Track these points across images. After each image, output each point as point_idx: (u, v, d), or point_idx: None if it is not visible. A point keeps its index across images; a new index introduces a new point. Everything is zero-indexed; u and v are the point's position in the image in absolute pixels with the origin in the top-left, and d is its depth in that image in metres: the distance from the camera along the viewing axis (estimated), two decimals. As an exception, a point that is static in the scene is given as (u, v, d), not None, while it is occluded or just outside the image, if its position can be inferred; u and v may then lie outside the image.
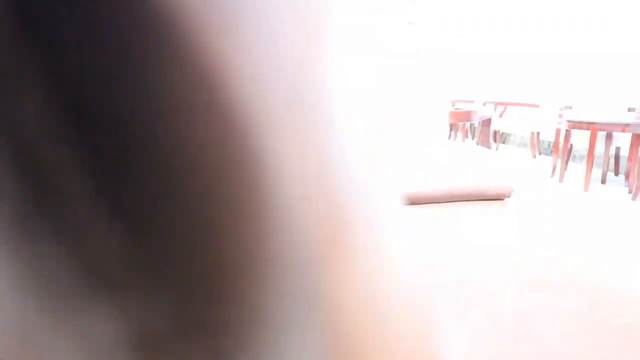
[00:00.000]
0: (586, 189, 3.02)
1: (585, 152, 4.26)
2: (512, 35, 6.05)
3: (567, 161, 3.90)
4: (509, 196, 1.17)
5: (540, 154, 5.00)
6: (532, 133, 4.70)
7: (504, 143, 6.17)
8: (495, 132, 5.47)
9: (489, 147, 1.78)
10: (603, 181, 3.38)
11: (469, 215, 0.93)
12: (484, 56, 7.12)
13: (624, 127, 2.89)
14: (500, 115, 5.62)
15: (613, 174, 3.71)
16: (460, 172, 1.18)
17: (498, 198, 1.16)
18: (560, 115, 3.54)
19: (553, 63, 5.01)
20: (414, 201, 1.13)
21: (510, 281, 0.59)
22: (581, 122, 3.00)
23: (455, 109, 5.51)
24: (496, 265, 0.65)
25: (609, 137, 3.29)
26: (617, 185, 3.28)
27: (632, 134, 3.06)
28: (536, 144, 5.12)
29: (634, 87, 3.69)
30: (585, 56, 4.40)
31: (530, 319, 0.49)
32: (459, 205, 1.06)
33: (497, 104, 4.90)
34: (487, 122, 1.75)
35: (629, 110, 3.52)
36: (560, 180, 3.34)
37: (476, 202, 1.11)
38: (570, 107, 3.79)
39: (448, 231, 0.82)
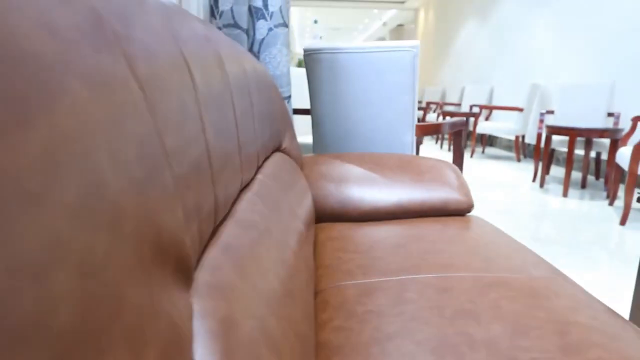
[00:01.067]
0: (565, 195, 3.05)
1: (563, 159, 4.29)
2: (499, 35, 6.09)
3: (547, 166, 3.93)
4: (469, 211, 1.18)
5: (525, 157, 5.04)
6: (517, 136, 4.73)
7: (491, 145, 6.21)
8: (482, 135, 5.49)
9: (461, 158, 1.80)
10: (583, 186, 3.40)
11: (422, 232, 0.94)
12: (472, 59, 7.16)
13: (602, 133, 2.92)
14: (487, 119, 5.65)
15: (594, 178, 3.74)
16: (423, 187, 1.18)
17: (458, 214, 1.17)
18: (541, 121, 3.56)
19: (538, 65, 5.04)
20: (368, 217, 1.14)
21: (435, 309, 0.59)
22: (560, 128, 3.03)
23: (442, 111, 5.53)
24: (432, 289, 0.65)
25: (588, 142, 3.32)
26: (596, 190, 3.31)
27: (611, 140, 3.09)
28: (521, 147, 5.16)
29: (615, 91, 3.72)
30: (569, 58, 4.44)
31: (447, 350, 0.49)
32: (414, 223, 1.07)
33: (481, 107, 4.93)
34: (458, 133, 1.77)
35: (609, 115, 3.56)
36: (541, 185, 3.37)
37: (435, 218, 1.12)
38: (552, 112, 3.81)
39: (392, 250, 0.82)
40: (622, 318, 0.63)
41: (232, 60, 0.59)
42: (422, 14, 10.23)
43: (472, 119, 6.05)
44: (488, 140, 6.28)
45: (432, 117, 7.07)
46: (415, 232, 0.99)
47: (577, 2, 4.33)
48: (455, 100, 7.27)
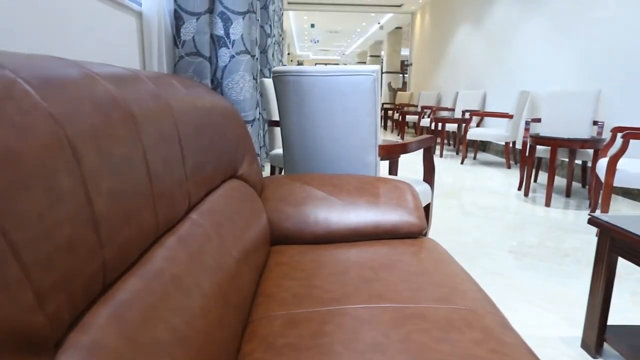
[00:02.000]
0: (547, 204, 3.08)
1: (557, 163, 4.32)
2: (492, 41, 6.12)
3: (535, 174, 3.96)
4: (421, 234, 1.22)
5: (516, 163, 5.06)
6: (507, 143, 4.76)
7: (484, 151, 6.24)
8: (474, 141, 5.53)
9: (432, 173, 1.84)
10: (568, 194, 3.43)
11: (367, 257, 0.98)
12: (466, 64, 7.18)
13: (583, 143, 2.95)
14: (479, 125, 5.68)
15: (582, 185, 3.77)
16: (379, 209, 1.22)
17: (410, 236, 1.21)
18: (527, 129, 3.59)
19: (530, 72, 5.07)
20: (323, 240, 1.18)
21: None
22: (542, 138, 3.06)
23: (434, 117, 5.56)
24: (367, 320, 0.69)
25: (572, 151, 3.35)
26: (581, 199, 3.33)
27: (594, 149, 3.12)
28: (512, 154, 5.19)
29: (600, 100, 3.75)
30: (558, 66, 4.47)
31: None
32: (364, 246, 1.11)
33: (472, 113, 4.96)
34: (428, 150, 1.81)
35: (594, 123, 3.58)
36: (526, 194, 3.40)
37: (386, 241, 1.16)
38: (539, 120, 3.84)
39: (332, 274, 0.85)
40: (529, 352, 0.67)
41: (151, 117, 0.64)
42: (418, 18, 10.27)
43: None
44: (481, 146, 6.31)
45: (426, 122, 7.10)
46: (361, 257, 1.03)
47: (566, 11, 4.36)
48: (450, 105, 7.30)
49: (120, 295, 0.46)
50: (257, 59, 1.99)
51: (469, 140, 6.51)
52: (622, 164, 2.37)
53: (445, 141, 7.36)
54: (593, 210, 2.86)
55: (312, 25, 13.27)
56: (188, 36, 1.22)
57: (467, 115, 6.00)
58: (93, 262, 0.41)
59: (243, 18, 1.30)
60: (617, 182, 2.33)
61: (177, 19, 1.21)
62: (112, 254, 0.45)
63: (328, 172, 1.58)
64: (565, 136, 3.25)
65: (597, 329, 1.26)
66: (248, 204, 1.02)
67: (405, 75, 13.09)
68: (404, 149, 1.61)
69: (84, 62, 0.58)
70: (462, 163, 5.00)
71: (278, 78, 1.57)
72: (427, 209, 1.89)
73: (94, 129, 0.45)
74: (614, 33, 3.67)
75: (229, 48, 1.30)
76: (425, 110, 7.10)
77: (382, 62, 15.28)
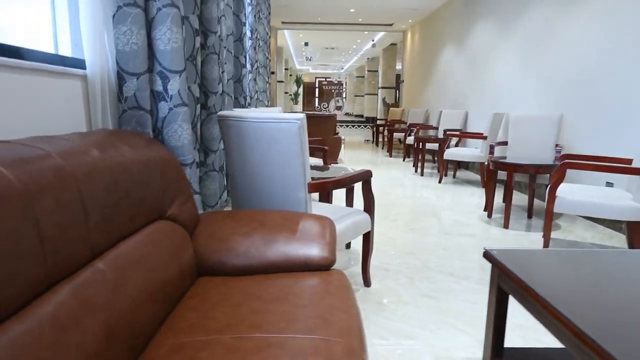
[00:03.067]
0: (506, 226, 3.23)
1: (524, 184, 4.47)
2: (473, 63, 6.30)
3: (502, 196, 4.10)
4: (330, 267, 1.38)
5: (493, 182, 5.21)
6: (482, 163, 4.92)
7: (467, 169, 6.39)
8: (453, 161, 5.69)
9: (372, 204, 2.01)
10: (530, 216, 3.58)
11: (270, 290, 1.14)
12: (450, 83, 7.37)
13: (537, 169, 3.11)
14: (457, 144, 5.85)
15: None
16: (294, 243, 1.39)
17: (320, 269, 1.37)
18: (491, 153, 3.76)
19: (505, 95, 5.25)
20: (242, 272, 1.35)
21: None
22: (499, 163, 3.22)
23: (416, 137, 5.73)
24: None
25: (532, 174, 3.51)
26: (542, 220, 3.48)
27: (549, 174, 3.27)
28: (486, 173, 5.34)
29: (563, 124, 3.91)
30: (528, 90, 4.65)
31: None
32: (273, 279, 1.27)
33: (449, 134, 5.13)
34: (367, 182, 1.98)
35: (557, 147, 3.74)
36: (489, 215, 3.55)
37: (295, 273, 1.32)
38: (505, 143, 4.01)
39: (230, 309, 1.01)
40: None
41: (48, 191, 0.81)
42: (409, 36, 10.51)
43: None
44: (464, 164, 6.47)
45: (411, 140, 7.27)
46: (262, 290, 1.20)
47: (534, 38, 4.55)
48: (436, 124, 7.48)
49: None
50: (199, 105, 2.17)
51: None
52: (561, 190, 2.52)
53: (431, 157, 7.53)
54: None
55: (306, 44, 13.57)
56: (130, 93, 1.41)
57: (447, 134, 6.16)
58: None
59: (180, 76, 1.48)
60: (557, 208, 2.48)
61: (120, 79, 1.40)
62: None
63: (266, 206, 1.75)
64: (529, 159, 3.42)
65: (491, 351, 1.41)
66: (166, 244, 1.19)
67: (399, 91, 13.32)
68: (336, 185, 1.78)
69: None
70: (439, 182, 5.15)
71: (222, 122, 1.75)
72: (368, 235, 2.05)
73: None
74: (575, 61, 3.84)
75: (167, 102, 1.48)
76: (412, 127, 7.28)
77: (378, 78, 15.52)
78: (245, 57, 3.54)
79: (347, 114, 23.81)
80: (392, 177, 5.50)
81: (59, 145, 0.93)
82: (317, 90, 27.19)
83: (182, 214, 1.39)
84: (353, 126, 17.11)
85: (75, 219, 0.85)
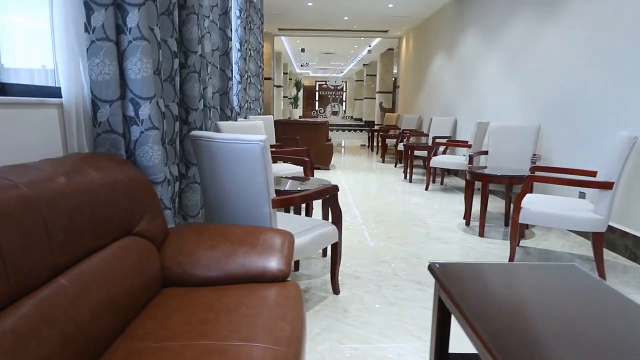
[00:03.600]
0: (481, 234, 3.34)
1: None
2: (461, 71, 6.41)
3: (483, 205, 4.21)
4: (286, 278, 1.50)
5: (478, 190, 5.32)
6: (465, 171, 5.04)
7: (456, 175, 6.50)
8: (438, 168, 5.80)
9: (340, 218, 2.13)
10: (506, 224, 3.69)
11: (223, 301, 1.26)
12: (440, 91, 7.48)
13: (510, 179, 3.22)
14: (445, 152, 5.96)
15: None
16: (253, 256, 1.51)
17: (277, 280, 1.50)
18: (470, 163, 3.88)
19: (490, 104, 5.37)
20: (204, 283, 1.47)
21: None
22: (474, 173, 3.34)
23: (405, 144, 5.84)
24: None
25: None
26: (517, 228, 3.59)
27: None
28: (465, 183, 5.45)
29: (541, 134, 4.03)
30: (510, 100, 4.76)
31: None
32: (230, 290, 1.39)
33: (436, 143, 5.25)
34: (333, 197, 2.09)
35: (534, 156, 3.86)
36: (467, 223, 3.67)
37: (251, 285, 1.44)
38: (486, 152, 4.12)
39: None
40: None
41: (10, 219, 0.94)
42: (404, 42, 10.64)
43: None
44: (453, 171, 6.57)
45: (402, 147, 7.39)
46: (216, 300, 1.32)
47: (516, 49, 4.67)
48: (427, 130, 7.60)
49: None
50: (180, 121, 2.30)
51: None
52: (526, 202, 2.64)
53: (422, 164, 7.64)
54: (518, 242, 3.12)
55: (302, 50, 13.71)
56: (103, 118, 1.54)
57: (440, 141, 6.27)
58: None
59: (150, 102, 1.61)
60: (522, 219, 2.59)
61: (94, 105, 1.52)
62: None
63: (233, 220, 1.88)
64: (508, 168, 3.54)
65: (435, 357, 1.53)
66: (130, 258, 1.31)
67: (396, 95, 13.44)
68: (303, 199, 1.90)
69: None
70: (426, 189, 5.27)
71: (194, 141, 1.88)
72: (336, 246, 2.17)
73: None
74: (551, 74, 3.96)
75: (139, 126, 1.61)
76: (404, 134, 7.40)
77: (376, 82, 15.65)
78: (231, 70, 3.67)
79: (350, 117, 23.88)
80: (381, 184, 5.62)
81: (27, 174, 1.06)
82: (317, 93, 27.34)
83: (151, 230, 1.51)
84: (351, 130, 17.25)
85: (38, 241, 0.97)
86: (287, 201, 1.84)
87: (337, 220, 2.16)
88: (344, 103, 26.33)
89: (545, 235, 3.41)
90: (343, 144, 11.80)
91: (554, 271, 1.56)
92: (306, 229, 1.96)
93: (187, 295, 1.39)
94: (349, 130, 17.17)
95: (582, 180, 2.45)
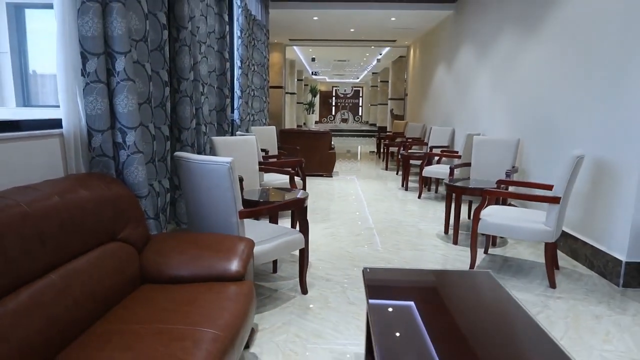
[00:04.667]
0: (455, 242, 3.58)
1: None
2: (458, 83, 6.62)
3: (457, 215, 4.43)
4: (242, 278, 1.81)
5: (470, 197, 5.53)
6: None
7: (454, 183, 6.70)
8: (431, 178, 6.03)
9: (307, 228, 2.42)
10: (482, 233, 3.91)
11: (185, 297, 1.57)
12: (441, 101, 7.68)
13: (481, 192, 3.45)
14: (439, 161, 6.18)
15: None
16: (216, 259, 1.82)
17: (234, 279, 1.80)
18: (451, 175, 4.12)
19: (482, 116, 5.57)
20: (175, 281, 1.78)
21: None
22: (450, 186, 3.59)
23: (402, 153, 6.08)
24: None
25: (486, 194, 3.84)
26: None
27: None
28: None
29: (521, 147, 4.24)
30: (497, 113, 4.97)
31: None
32: (194, 287, 1.71)
33: (429, 153, 5.49)
34: (300, 210, 2.39)
35: (513, 168, 4.07)
36: (446, 231, 3.90)
37: (212, 283, 1.76)
38: (469, 164, 4.35)
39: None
40: (205, 356, 1.26)
41: (8, 230, 1.28)
42: (412, 51, 10.87)
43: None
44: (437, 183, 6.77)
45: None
46: (181, 294, 1.64)
47: (503, 64, 4.89)
48: (427, 139, 7.81)
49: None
50: (173, 139, 2.63)
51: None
52: (485, 213, 2.88)
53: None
54: (486, 250, 3.35)
55: (313, 59, 14.05)
56: (97, 144, 1.88)
57: (436, 151, 6.49)
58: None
59: (135, 130, 1.95)
60: (480, 229, 2.84)
61: (89, 134, 1.87)
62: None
63: (208, 228, 2.20)
64: (489, 180, 3.77)
65: (366, 349, 1.81)
66: (111, 260, 1.64)
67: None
68: (270, 211, 2.21)
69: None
70: (419, 197, 5.50)
71: (177, 161, 2.21)
72: (303, 251, 2.47)
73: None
74: (530, 89, 4.17)
75: (125, 150, 1.95)
76: (406, 142, 7.63)
77: (388, 89, 15.86)
78: (229, 88, 4.02)
79: (366, 122, 24.06)
80: (378, 191, 5.88)
81: (28, 195, 1.40)
82: (334, 99, 27.66)
83: (133, 236, 1.84)
84: (366, 136, 17.47)
85: (34, 246, 1.31)
86: (253, 213, 2.15)
87: (304, 229, 2.45)
88: (359, 108, 26.58)
89: (517, 244, 3.62)
90: (352, 151, 12.07)
91: (468, 278, 1.84)
92: (272, 237, 2.26)
93: (159, 290, 1.71)
94: (362, 137, 17.41)
95: (532, 195, 2.68)
